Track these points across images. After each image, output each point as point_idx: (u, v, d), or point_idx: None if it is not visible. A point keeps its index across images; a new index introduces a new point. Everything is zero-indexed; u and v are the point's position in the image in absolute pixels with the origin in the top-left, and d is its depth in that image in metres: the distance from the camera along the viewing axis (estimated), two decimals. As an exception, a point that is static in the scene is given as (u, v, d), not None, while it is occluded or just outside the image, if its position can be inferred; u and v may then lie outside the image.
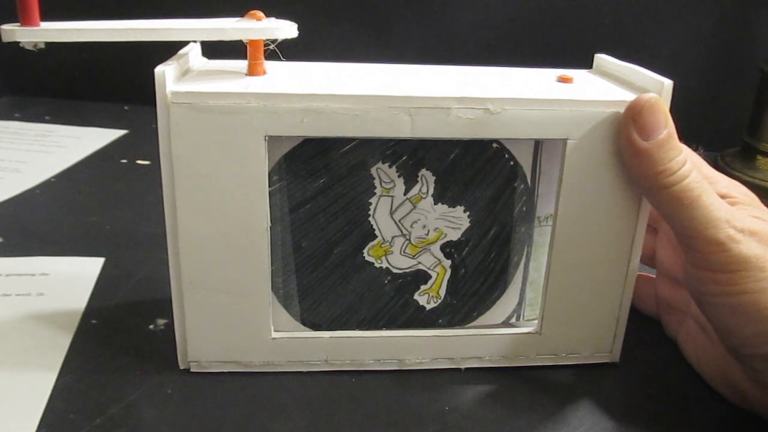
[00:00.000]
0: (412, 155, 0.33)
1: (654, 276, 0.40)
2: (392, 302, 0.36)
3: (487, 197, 0.35)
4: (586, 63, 0.39)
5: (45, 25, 0.30)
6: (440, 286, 0.36)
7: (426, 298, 0.36)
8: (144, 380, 0.34)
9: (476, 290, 0.36)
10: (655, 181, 0.30)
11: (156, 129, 0.30)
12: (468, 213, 0.35)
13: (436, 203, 0.34)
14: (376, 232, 0.34)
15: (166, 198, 0.31)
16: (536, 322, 0.35)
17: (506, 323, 0.37)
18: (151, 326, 0.38)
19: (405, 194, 0.34)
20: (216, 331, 0.33)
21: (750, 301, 0.29)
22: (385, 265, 0.35)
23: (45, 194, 0.57)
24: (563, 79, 0.35)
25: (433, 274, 0.36)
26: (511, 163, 0.34)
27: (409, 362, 0.35)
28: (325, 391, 0.34)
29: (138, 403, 0.32)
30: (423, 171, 0.34)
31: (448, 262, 0.36)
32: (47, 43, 0.30)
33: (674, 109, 0.31)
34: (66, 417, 0.31)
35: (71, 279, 0.42)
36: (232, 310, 0.33)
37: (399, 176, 0.34)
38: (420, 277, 0.36)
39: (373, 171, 0.33)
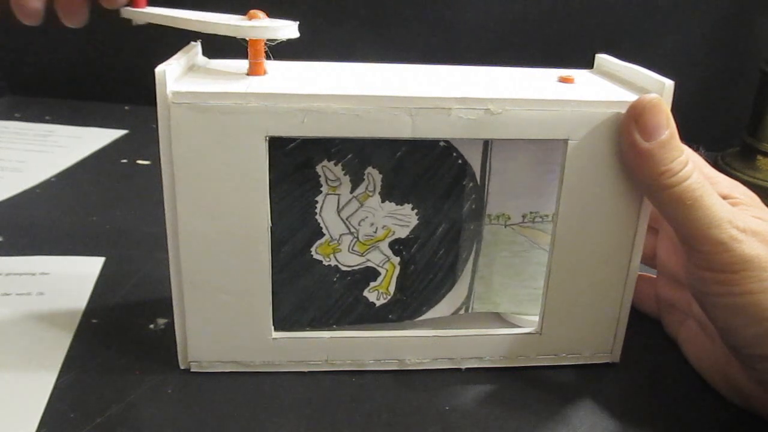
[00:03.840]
0: (358, 153, 0.33)
1: (654, 276, 0.40)
2: (342, 299, 0.36)
3: (436, 195, 0.35)
4: (587, 63, 0.39)
5: (149, 9, 0.34)
6: (390, 283, 0.36)
7: (376, 294, 0.36)
8: (144, 380, 0.33)
9: (426, 286, 0.36)
10: (657, 182, 0.30)
11: (156, 129, 0.30)
12: (416, 211, 0.35)
13: (383, 201, 0.34)
14: (324, 230, 0.34)
15: (166, 198, 0.31)
16: (537, 321, 0.35)
17: (455, 315, 0.37)
18: (151, 326, 0.38)
19: (352, 192, 0.34)
20: (216, 331, 0.33)
21: (752, 302, 0.29)
22: (333, 262, 0.35)
23: (45, 194, 0.57)
24: (564, 80, 0.35)
25: (383, 271, 0.36)
26: (460, 161, 0.34)
27: (409, 362, 0.35)
28: (325, 391, 0.34)
29: (138, 403, 0.32)
30: (369, 169, 0.34)
31: (397, 259, 0.36)
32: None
33: (675, 110, 0.31)
34: (66, 417, 0.31)
35: (71, 279, 0.42)
36: (233, 310, 0.33)
37: (345, 174, 0.33)
38: (369, 274, 0.36)
39: (318, 169, 0.33)
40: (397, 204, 0.34)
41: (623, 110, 0.31)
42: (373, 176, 0.34)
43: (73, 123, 0.76)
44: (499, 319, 0.39)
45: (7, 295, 0.40)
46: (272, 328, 0.34)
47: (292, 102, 0.30)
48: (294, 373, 0.35)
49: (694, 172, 0.30)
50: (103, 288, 0.42)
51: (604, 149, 0.32)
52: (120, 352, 0.36)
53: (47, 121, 0.76)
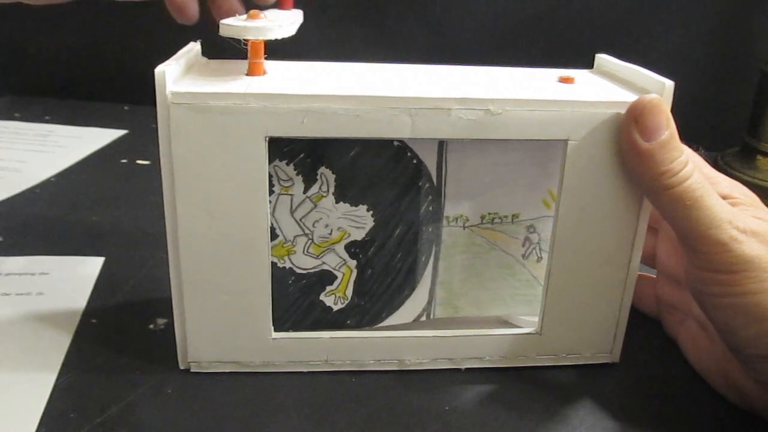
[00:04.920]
0: (310, 153, 0.33)
1: (654, 276, 0.40)
2: (298, 303, 0.35)
3: (391, 196, 0.34)
4: (587, 63, 0.39)
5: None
6: (347, 287, 0.36)
7: (333, 298, 0.36)
8: (144, 380, 0.33)
9: (384, 291, 0.36)
10: (657, 182, 0.30)
11: (156, 129, 0.30)
12: (372, 212, 0.34)
13: (337, 202, 0.34)
14: (277, 231, 0.34)
15: (166, 198, 0.31)
16: (536, 321, 0.35)
17: (416, 322, 0.37)
18: (151, 326, 0.38)
19: (305, 192, 0.34)
20: (216, 331, 0.33)
21: (752, 302, 0.29)
22: (288, 265, 0.35)
23: (45, 194, 0.57)
24: (564, 80, 0.35)
25: (339, 275, 0.35)
26: (415, 161, 0.34)
27: (409, 362, 0.35)
28: (325, 391, 0.34)
29: (138, 403, 0.32)
30: (322, 169, 0.33)
31: (353, 263, 0.35)
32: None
33: (674, 109, 0.31)
34: (66, 417, 0.31)
35: (71, 279, 0.42)
36: (232, 310, 0.33)
37: (297, 174, 0.33)
38: (325, 278, 0.35)
39: (270, 168, 0.33)
40: (351, 205, 0.34)
41: (623, 110, 0.31)
42: (326, 176, 0.33)
43: (73, 123, 0.76)
44: (499, 319, 0.39)
45: (7, 295, 0.40)
46: (272, 328, 0.34)
47: (291, 102, 0.30)
48: (294, 373, 0.35)
49: (695, 173, 0.30)
50: (102, 288, 0.42)
51: (604, 149, 0.32)
52: (120, 352, 0.35)
53: (47, 121, 0.76)
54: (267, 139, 0.30)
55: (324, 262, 0.35)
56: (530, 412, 0.33)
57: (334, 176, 0.33)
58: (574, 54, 0.43)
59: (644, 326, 0.40)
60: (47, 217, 0.52)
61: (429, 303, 0.37)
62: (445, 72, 0.36)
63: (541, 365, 0.36)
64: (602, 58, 0.38)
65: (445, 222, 0.36)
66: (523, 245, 0.37)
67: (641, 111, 0.30)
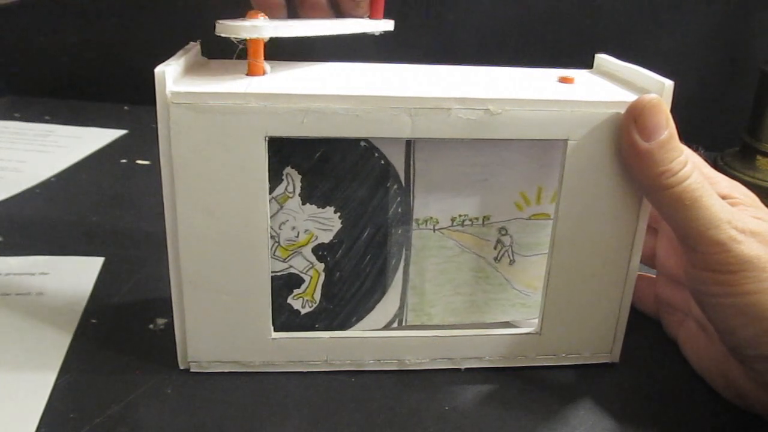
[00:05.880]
0: (275, 153, 0.32)
1: (654, 276, 0.40)
2: None
3: (359, 198, 0.34)
4: (587, 63, 0.39)
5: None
6: (315, 290, 0.35)
7: (300, 302, 0.35)
8: (144, 380, 0.33)
9: (353, 294, 0.35)
10: (656, 182, 0.30)
11: (156, 129, 0.30)
12: (339, 214, 0.34)
13: (304, 203, 0.34)
14: None
15: (166, 198, 0.31)
16: (537, 322, 0.35)
17: (388, 328, 0.36)
18: (151, 326, 0.38)
19: (270, 193, 0.33)
20: (216, 331, 0.33)
21: (751, 302, 0.29)
22: None
23: (45, 194, 0.57)
24: (564, 80, 0.35)
25: (306, 278, 0.35)
26: (382, 162, 0.33)
27: (409, 362, 0.35)
28: (325, 391, 0.34)
29: (138, 403, 0.32)
30: (288, 169, 0.33)
31: (321, 266, 0.35)
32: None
33: (674, 110, 0.31)
34: (66, 417, 0.31)
35: (71, 278, 0.42)
36: (232, 310, 0.33)
37: None
38: (293, 281, 0.35)
39: None
40: (318, 207, 0.34)
41: (623, 110, 0.31)
42: (292, 177, 0.33)
43: (72, 123, 0.76)
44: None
45: (7, 295, 0.40)
46: (272, 328, 0.34)
47: (291, 102, 0.30)
48: (294, 373, 0.35)
49: (694, 173, 0.30)
50: (102, 288, 0.42)
51: (604, 149, 0.32)
52: (120, 352, 0.36)
53: (47, 121, 0.77)
54: (267, 138, 0.30)
55: (291, 266, 0.35)
56: (530, 412, 0.33)
57: (300, 177, 0.33)
58: (574, 54, 0.43)
59: (644, 326, 0.40)
60: (47, 217, 0.52)
61: (401, 309, 0.36)
62: (445, 72, 0.36)
63: (541, 365, 0.36)
64: (602, 58, 0.38)
65: (414, 225, 0.35)
66: (495, 248, 0.36)
67: (641, 111, 0.30)
